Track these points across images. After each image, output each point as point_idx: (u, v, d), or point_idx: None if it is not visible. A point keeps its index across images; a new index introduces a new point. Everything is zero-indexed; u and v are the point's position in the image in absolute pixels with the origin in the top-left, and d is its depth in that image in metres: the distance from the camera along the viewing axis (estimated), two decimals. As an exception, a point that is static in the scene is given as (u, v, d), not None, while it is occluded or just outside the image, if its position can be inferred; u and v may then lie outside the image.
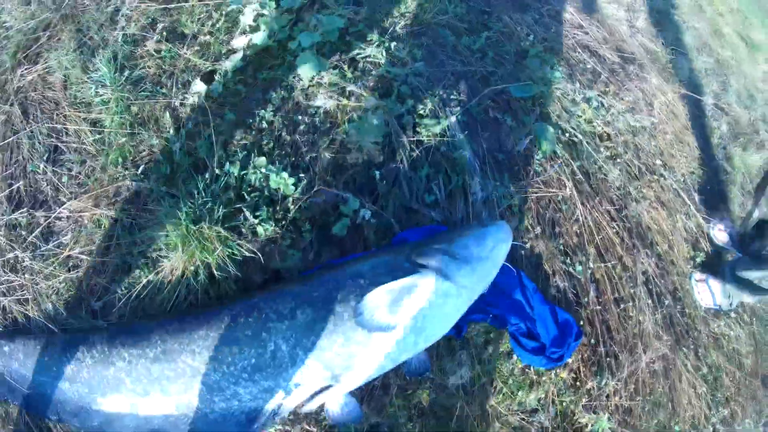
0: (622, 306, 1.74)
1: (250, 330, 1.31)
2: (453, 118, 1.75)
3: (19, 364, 1.37)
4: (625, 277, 1.78)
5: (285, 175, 1.53)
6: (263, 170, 1.55)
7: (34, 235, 1.54)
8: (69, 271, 1.50)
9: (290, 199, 1.54)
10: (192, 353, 1.31)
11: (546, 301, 1.64)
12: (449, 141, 1.72)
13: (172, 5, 1.91)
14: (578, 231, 1.77)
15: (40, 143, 1.66)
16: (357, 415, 1.33)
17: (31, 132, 1.67)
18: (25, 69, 1.77)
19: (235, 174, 1.54)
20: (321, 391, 1.28)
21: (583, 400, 1.59)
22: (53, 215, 1.56)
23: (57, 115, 1.71)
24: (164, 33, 1.85)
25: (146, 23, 1.86)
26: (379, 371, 1.32)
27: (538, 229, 1.72)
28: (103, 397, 1.34)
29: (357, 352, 1.27)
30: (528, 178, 1.78)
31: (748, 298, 2.17)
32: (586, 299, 1.68)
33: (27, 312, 1.46)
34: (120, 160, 1.62)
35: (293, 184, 1.53)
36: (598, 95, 2.12)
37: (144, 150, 1.65)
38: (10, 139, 1.66)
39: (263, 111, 1.71)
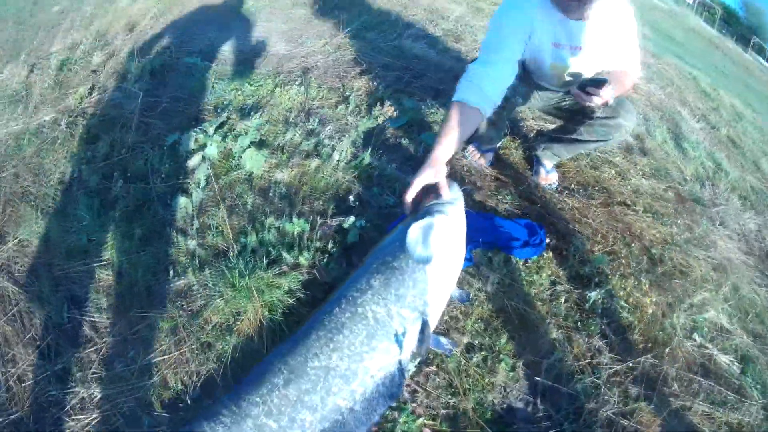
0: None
1: (348, 312, 1.43)
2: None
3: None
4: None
5: (295, 219, 1.86)
6: (277, 225, 1.86)
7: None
8: (150, 377, 1.52)
9: (306, 235, 1.85)
10: (315, 356, 1.37)
11: (505, 219, 2.20)
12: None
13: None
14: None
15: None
16: (449, 342, 1.61)
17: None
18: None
19: (254, 239, 1.81)
20: (421, 330, 1.48)
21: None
22: (105, 344, 1.59)
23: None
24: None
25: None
26: (443, 299, 1.59)
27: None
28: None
29: (424, 287, 1.52)
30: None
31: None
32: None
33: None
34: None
35: (305, 223, 1.87)
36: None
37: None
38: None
39: (246, 196, 2.03)
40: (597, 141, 2.41)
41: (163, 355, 1.54)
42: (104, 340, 1.58)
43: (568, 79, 2.24)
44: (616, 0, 2.11)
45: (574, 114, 2.41)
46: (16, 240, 1.88)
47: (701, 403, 1.82)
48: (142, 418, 1.45)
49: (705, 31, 24.17)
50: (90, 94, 2.77)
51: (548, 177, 2.67)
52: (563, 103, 2.45)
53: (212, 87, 2.81)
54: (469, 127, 1.89)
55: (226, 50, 3.49)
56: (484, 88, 1.91)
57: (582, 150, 2.65)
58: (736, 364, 2.04)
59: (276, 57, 3.42)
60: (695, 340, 2.05)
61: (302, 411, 1.34)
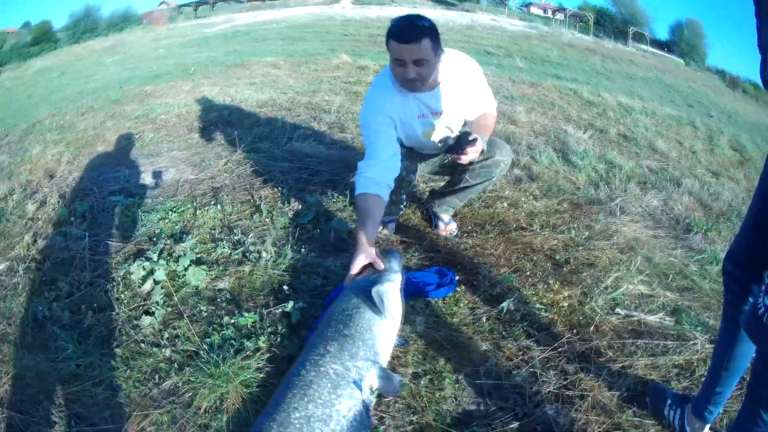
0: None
1: (313, 372, 1.77)
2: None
3: None
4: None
5: (246, 314, 2.31)
6: (232, 321, 2.29)
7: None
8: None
9: (258, 325, 2.29)
10: (295, 409, 1.67)
11: (417, 272, 2.69)
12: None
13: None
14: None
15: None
16: (398, 380, 1.89)
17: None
18: None
19: (218, 338, 2.22)
20: (381, 374, 1.83)
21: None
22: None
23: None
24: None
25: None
26: (390, 346, 2.00)
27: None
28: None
29: (373, 342, 1.92)
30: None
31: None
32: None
33: None
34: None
35: (254, 315, 2.31)
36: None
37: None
38: None
39: (199, 305, 2.45)
40: (482, 182, 2.94)
41: None
42: None
43: (441, 140, 2.79)
44: (453, 60, 2.63)
45: (456, 167, 2.90)
46: (10, 377, 2.11)
47: (641, 358, 2.12)
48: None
49: (580, 42, 25.88)
50: (35, 241, 3.09)
51: (447, 228, 3.19)
52: (445, 162, 2.99)
53: (141, 220, 3.22)
54: (377, 211, 2.46)
55: (144, 184, 3.91)
56: (375, 177, 2.47)
57: (472, 194, 3.11)
58: (667, 318, 2.39)
59: (188, 183, 3.87)
60: (619, 314, 2.40)
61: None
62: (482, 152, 2.62)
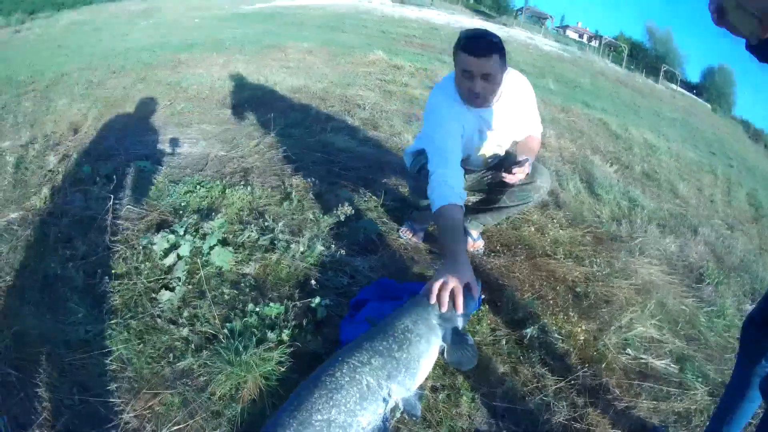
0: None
1: (348, 377, 1.73)
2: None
3: None
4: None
5: (272, 304, 2.20)
6: (256, 310, 2.18)
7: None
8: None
9: (282, 316, 2.18)
10: (318, 411, 1.64)
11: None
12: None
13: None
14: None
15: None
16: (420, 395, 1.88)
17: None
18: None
19: (240, 324, 2.12)
20: (408, 401, 1.81)
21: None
22: (122, 421, 1.75)
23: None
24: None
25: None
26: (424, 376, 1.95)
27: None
28: None
29: (415, 373, 1.87)
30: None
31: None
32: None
33: None
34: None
35: (280, 306, 2.20)
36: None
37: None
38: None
39: (222, 287, 2.34)
40: (519, 204, 2.87)
41: (178, 425, 1.75)
42: (121, 417, 1.77)
43: (490, 157, 2.74)
44: (511, 79, 2.59)
45: (496, 185, 2.86)
46: (12, 332, 2.03)
47: (644, 401, 2.16)
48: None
49: (612, 72, 25.98)
50: (53, 195, 2.99)
51: (475, 244, 3.10)
52: (484, 179, 2.90)
53: (168, 191, 3.12)
54: (462, 222, 2.32)
55: (171, 153, 3.81)
56: (455, 187, 2.34)
57: (505, 215, 3.06)
58: (672, 365, 2.41)
59: (217, 159, 3.78)
60: (629, 354, 2.41)
61: None
62: (527, 175, 2.60)
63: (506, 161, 2.73)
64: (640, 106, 16.48)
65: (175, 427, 1.75)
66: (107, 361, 1.97)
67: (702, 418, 2.15)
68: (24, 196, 3.03)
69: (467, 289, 2.08)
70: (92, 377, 1.91)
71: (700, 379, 2.37)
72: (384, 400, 1.75)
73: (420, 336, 1.94)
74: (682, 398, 2.24)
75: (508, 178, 2.55)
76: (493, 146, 2.72)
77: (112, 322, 2.13)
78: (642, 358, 2.43)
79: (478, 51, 2.33)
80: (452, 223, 2.25)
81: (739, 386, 1.66)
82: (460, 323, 2.09)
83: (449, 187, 2.33)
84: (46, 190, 3.02)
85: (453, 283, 2.03)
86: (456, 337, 2.03)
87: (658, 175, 6.27)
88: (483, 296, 2.54)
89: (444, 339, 2.01)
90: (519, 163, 2.51)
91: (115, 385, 1.89)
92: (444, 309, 2.02)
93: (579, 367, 2.28)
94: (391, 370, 1.81)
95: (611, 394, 2.18)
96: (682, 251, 3.89)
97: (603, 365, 2.32)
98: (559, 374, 2.22)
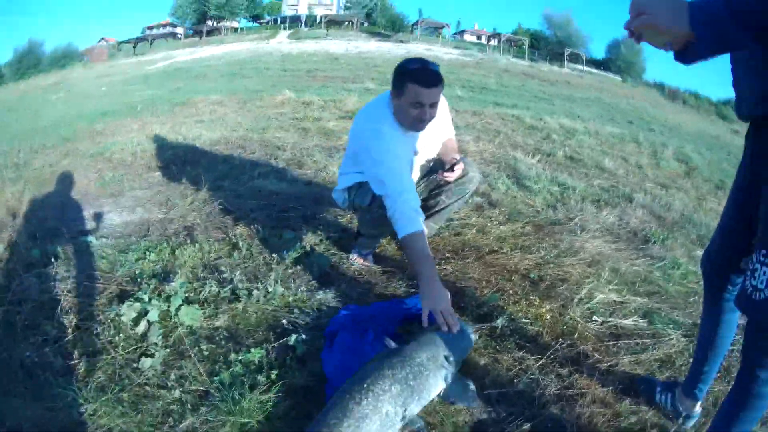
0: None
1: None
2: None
3: None
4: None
5: (252, 350, 2.31)
6: (239, 358, 2.28)
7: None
8: None
9: (264, 359, 2.30)
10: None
11: (405, 299, 2.79)
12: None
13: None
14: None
15: None
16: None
17: None
18: None
19: (227, 375, 2.20)
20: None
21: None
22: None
23: None
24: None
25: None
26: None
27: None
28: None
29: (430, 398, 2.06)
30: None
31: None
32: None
33: None
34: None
35: (261, 349, 2.32)
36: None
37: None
38: None
39: (199, 344, 2.43)
40: (457, 200, 3.13)
41: None
42: None
43: (424, 170, 3.01)
44: None
45: (432, 190, 3.11)
46: (5, 430, 2.01)
47: (624, 357, 2.36)
48: None
49: (516, 67, 26.75)
50: (9, 283, 2.97)
51: None
52: (419, 188, 3.09)
53: (120, 262, 3.16)
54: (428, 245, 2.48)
55: (113, 224, 3.83)
56: (419, 211, 2.51)
57: (448, 214, 3.30)
58: (640, 321, 2.64)
59: (158, 222, 3.82)
60: (597, 321, 2.62)
61: None
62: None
63: (436, 165, 3.03)
64: (551, 94, 17.22)
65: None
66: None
67: (683, 359, 2.35)
68: (-19, 290, 2.98)
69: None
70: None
71: (671, 326, 2.60)
72: (397, 424, 1.90)
73: (431, 370, 2.09)
74: (659, 346, 2.46)
75: (450, 177, 2.84)
76: (426, 159, 2.99)
77: (103, 398, 2.14)
78: (610, 322, 2.64)
79: (429, 82, 2.51)
80: (423, 251, 2.39)
81: (712, 318, 1.85)
82: (458, 364, 2.25)
83: (416, 212, 2.48)
84: (1, 279, 3.00)
85: (443, 305, 2.26)
86: (456, 378, 2.16)
87: (582, 156, 6.65)
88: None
89: (445, 379, 2.13)
90: (456, 163, 2.81)
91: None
92: (455, 329, 2.23)
93: (554, 344, 2.44)
94: (406, 397, 1.95)
95: (591, 358, 2.37)
96: (622, 220, 4.23)
97: (575, 336, 2.50)
98: (538, 353, 2.37)
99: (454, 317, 2.26)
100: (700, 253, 3.10)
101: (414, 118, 2.61)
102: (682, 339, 2.50)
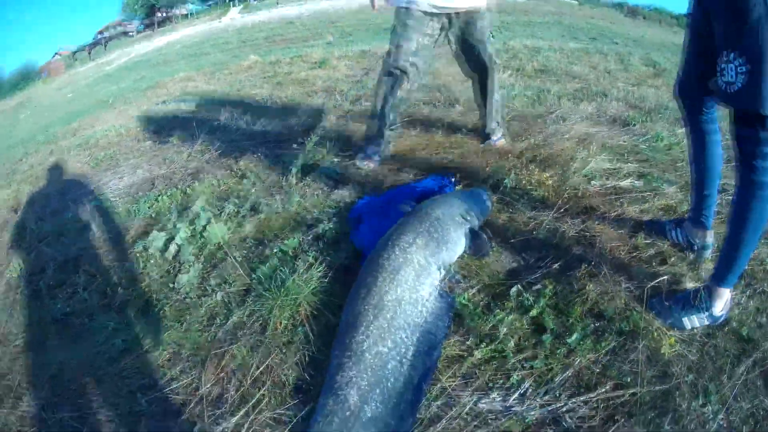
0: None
1: (401, 258, 1.96)
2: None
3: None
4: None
5: (285, 241, 2.37)
6: (275, 250, 2.34)
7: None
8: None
9: (299, 247, 2.34)
10: (387, 292, 1.83)
11: (417, 182, 2.92)
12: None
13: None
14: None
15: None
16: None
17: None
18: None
19: (266, 270, 2.24)
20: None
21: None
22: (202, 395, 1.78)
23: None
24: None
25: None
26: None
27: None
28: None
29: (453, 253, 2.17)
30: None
31: None
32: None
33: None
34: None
35: (294, 240, 2.37)
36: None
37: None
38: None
39: (233, 251, 2.45)
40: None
41: (258, 368, 1.83)
42: (197, 392, 1.81)
43: None
44: None
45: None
46: (48, 377, 2.05)
47: (629, 207, 2.50)
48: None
49: None
50: (27, 257, 3.01)
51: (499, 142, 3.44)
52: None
53: (134, 210, 3.17)
54: None
55: (117, 188, 3.82)
56: None
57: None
58: (636, 182, 2.75)
59: (162, 176, 3.81)
60: (596, 184, 2.73)
61: (397, 332, 1.75)
62: None
63: None
64: (509, 22, 16.95)
65: (257, 371, 1.82)
66: (156, 354, 2.00)
67: (684, 206, 2.46)
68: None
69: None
70: (149, 374, 1.94)
71: (665, 184, 2.71)
72: (433, 274, 1.97)
73: (450, 224, 2.18)
74: (659, 197, 2.58)
75: None
76: None
77: (144, 321, 2.19)
78: (608, 183, 2.76)
79: None
80: None
81: (698, 142, 1.97)
82: (477, 222, 2.34)
83: None
84: (17, 256, 3.03)
85: None
86: (475, 233, 2.27)
87: (551, 67, 6.60)
88: (454, 180, 2.88)
89: (465, 235, 2.24)
90: None
91: (178, 368, 1.92)
92: None
93: (561, 202, 2.57)
94: (433, 248, 2.04)
95: (599, 210, 2.50)
96: (600, 110, 4.26)
97: (580, 195, 2.64)
98: (548, 210, 2.52)
99: None
100: (681, 131, 3.26)
101: None
102: (679, 193, 2.62)
